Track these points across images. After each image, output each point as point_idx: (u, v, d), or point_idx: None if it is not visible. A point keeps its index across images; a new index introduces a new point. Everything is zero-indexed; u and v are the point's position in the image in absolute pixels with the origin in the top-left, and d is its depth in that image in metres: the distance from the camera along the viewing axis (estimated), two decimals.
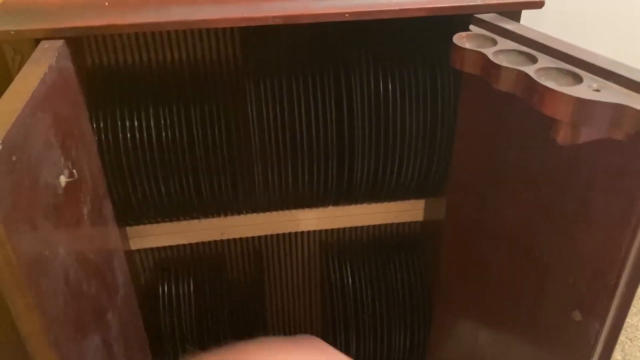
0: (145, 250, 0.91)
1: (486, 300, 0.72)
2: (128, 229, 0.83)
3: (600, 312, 0.54)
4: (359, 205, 0.87)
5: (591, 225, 0.53)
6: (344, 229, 0.96)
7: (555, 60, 0.52)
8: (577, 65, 0.50)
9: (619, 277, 0.52)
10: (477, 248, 0.71)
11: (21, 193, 0.42)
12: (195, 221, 0.85)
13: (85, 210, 0.56)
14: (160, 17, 0.54)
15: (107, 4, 0.55)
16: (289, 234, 0.96)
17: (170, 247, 0.92)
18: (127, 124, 0.70)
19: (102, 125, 0.69)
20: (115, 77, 0.74)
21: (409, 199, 0.86)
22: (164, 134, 0.71)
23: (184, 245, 0.92)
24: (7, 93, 0.46)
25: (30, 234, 0.44)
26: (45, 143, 0.48)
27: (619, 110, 0.45)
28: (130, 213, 0.77)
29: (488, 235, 0.68)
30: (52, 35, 0.54)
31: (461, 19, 0.60)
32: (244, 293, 0.98)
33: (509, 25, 0.57)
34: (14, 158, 0.41)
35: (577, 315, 0.57)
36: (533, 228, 0.60)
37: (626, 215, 0.49)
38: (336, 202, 0.83)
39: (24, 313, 0.44)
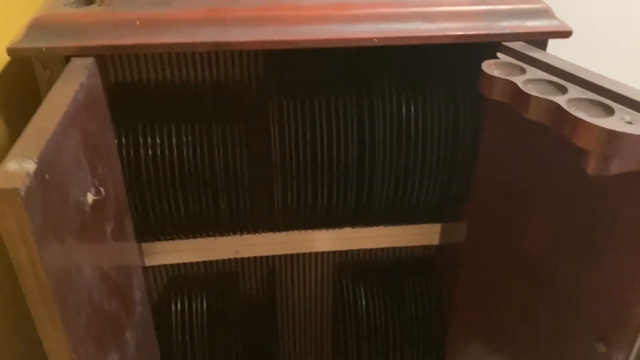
0: (159, 267, 0.90)
1: (504, 327, 0.72)
2: (143, 245, 0.83)
3: (625, 344, 0.54)
4: (374, 228, 0.86)
5: (618, 256, 0.52)
6: (358, 250, 0.96)
7: (585, 90, 0.52)
8: (607, 96, 0.50)
9: None
10: (497, 273, 0.71)
11: (52, 210, 0.42)
12: (210, 239, 0.85)
13: (109, 228, 0.56)
14: (191, 38, 0.55)
15: (138, 23, 0.55)
16: (303, 254, 0.95)
17: (184, 264, 0.92)
18: (149, 140, 0.70)
19: (124, 141, 0.69)
20: (138, 94, 0.75)
21: (426, 222, 0.85)
22: (185, 151, 0.71)
23: (197, 262, 0.91)
24: (40, 110, 0.46)
25: (58, 251, 0.44)
26: (74, 160, 0.48)
27: None
28: (147, 229, 0.76)
29: (509, 260, 0.68)
30: (82, 52, 0.54)
31: (487, 46, 0.60)
32: (256, 312, 0.98)
33: (537, 54, 0.57)
34: (47, 176, 0.41)
35: (601, 347, 0.56)
36: (557, 256, 0.60)
37: None
38: (354, 223, 0.83)
39: (49, 329, 0.44)
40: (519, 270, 0.67)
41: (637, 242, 0.50)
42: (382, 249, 0.96)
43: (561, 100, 0.50)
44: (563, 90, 0.52)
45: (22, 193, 0.37)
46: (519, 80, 0.53)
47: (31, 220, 0.38)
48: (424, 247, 0.95)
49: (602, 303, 0.56)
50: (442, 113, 0.70)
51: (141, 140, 0.70)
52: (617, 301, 0.54)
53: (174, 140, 0.70)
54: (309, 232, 0.86)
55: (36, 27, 0.54)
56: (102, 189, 0.52)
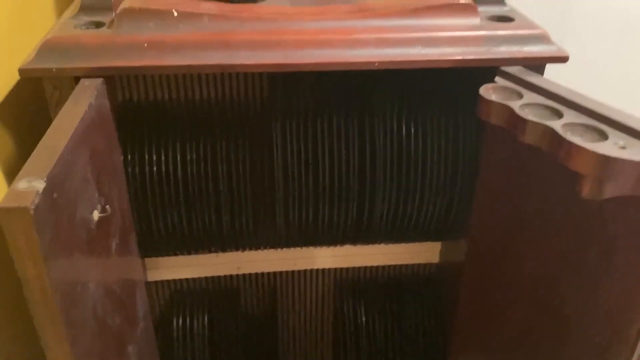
0: (162, 282, 0.91)
1: (503, 347, 0.72)
2: (147, 260, 0.84)
3: None
4: (375, 245, 0.87)
5: (613, 280, 0.53)
6: (360, 268, 0.97)
7: (580, 115, 0.53)
8: (602, 121, 0.51)
9: (639, 333, 0.52)
10: (497, 292, 0.71)
11: (59, 228, 0.44)
12: (213, 255, 0.86)
13: (114, 244, 0.57)
14: (197, 60, 0.56)
15: (146, 45, 0.57)
16: (305, 270, 0.96)
17: (187, 279, 0.93)
18: (155, 158, 0.71)
19: (130, 158, 0.71)
20: (145, 112, 0.76)
21: (427, 240, 0.86)
22: (190, 168, 0.72)
23: (200, 278, 0.92)
24: (50, 130, 0.47)
25: (65, 267, 0.45)
26: (82, 179, 0.49)
27: None
28: (151, 245, 0.78)
29: (507, 281, 0.69)
30: (91, 73, 0.56)
31: (486, 70, 0.61)
32: (257, 327, 0.98)
33: (534, 79, 0.58)
34: (55, 195, 0.42)
35: None
36: (554, 278, 0.61)
37: None
38: (355, 241, 0.84)
39: (55, 344, 0.45)
40: (518, 290, 0.67)
41: (632, 265, 0.51)
42: (383, 267, 0.97)
43: (556, 124, 0.51)
44: (559, 114, 0.53)
45: (32, 212, 0.38)
46: (515, 104, 0.54)
47: (40, 238, 0.40)
48: (425, 265, 0.96)
49: (599, 325, 0.57)
50: (442, 134, 0.72)
51: (147, 157, 0.71)
52: (614, 323, 0.55)
53: (179, 158, 0.72)
54: (311, 249, 0.87)
55: (47, 48, 0.56)
56: (107, 207, 0.54)
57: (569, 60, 0.61)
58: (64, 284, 0.44)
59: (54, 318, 0.43)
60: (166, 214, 0.74)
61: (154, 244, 0.78)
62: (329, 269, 0.96)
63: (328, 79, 0.72)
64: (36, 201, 0.39)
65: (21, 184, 0.41)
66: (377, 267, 0.97)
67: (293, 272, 0.96)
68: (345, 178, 0.73)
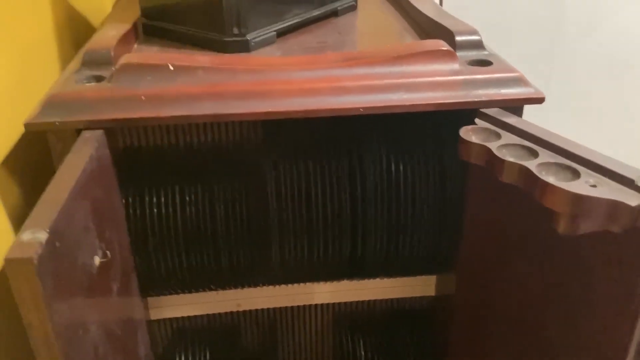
0: (163, 320, 0.93)
1: None
2: (148, 299, 0.86)
3: None
4: (370, 280, 0.89)
5: (594, 311, 0.55)
6: (357, 302, 0.98)
7: (555, 155, 0.56)
8: (575, 160, 0.54)
9: None
10: (487, 324, 0.73)
11: (62, 275, 0.46)
12: (213, 292, 0.88)
13: (115, 287, 0.60)
14: (193, 111, 0.59)
15: (143, 97, 0.60)
16: (303, 306, 0.98)
17: (188, 317, 0.95)
18: (154, 201, 0.74)
19: (130, 202, 0.74)
20: (144, 158, 0.79)
21: (421, 274, 0.88)
22: (188, 210, 0.75)
23: (201, 315, 0.94)
24: (53, 182, 0.50)
25: (67, 312, 0.48)
26: (83, 227, 0.52)
27: (614, 205, 0.48)
28: (152, 285, 0.80)
29: (496, 313, 0.71)
30: (92, 125, 0.59)
31: (466, 112, 0.64)
32: None
33: (512, 120, 0.61)
34: (57, 244, 0.45)
35: None
36: (538, 310, 0.63)
37: (626, 303, 0.51)
38: (350, 276, 0.86)
39: None
40: (507, 322, 0.69)
41: (609, 298, 0.53)
42: (380, 300, 0.98)
43: (532, 164, 0.54)
44: (535, 154, 0.56)
45: (35, 262, 0.41)
46: (494, 145, 0.57)
47: (43, 286, 0.42)
48: (420, 298, 0.98)
49: (583, 354, 0.58)
50: (429, 172, 0.74)
51: (147, 200, 0.74)
52: (597, 352, 0.57)
53: (177, 201, 0.75)
54: (308, 284, 0.89)
55: (51, 103, 0.60)
56: (108, 252, 0.56)
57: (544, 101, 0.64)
58: (66, 329, 0.47)
59: None
60: (166, 255, 0.77)
61: (155, 283, 0.80)
62: (327, 304, 0.98)
63: (318, 124, 0.75)
64: (39, 252, 0.42)
65: (25, 235, 0.43)
66: (374, 301, 0.99)
67: (292, 307, 0.98)
68: (337, 217, 0.76)
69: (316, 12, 0.80)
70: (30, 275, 0.42)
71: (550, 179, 0.52)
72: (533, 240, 0.62)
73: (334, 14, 0.84)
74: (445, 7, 0.91)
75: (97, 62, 0.65)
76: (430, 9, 0.81)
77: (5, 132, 0.65)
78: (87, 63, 0.65)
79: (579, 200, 0.49)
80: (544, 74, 1.40)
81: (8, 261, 0.41)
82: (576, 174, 0.53)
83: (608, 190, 0.50)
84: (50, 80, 0.80)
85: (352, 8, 0.87)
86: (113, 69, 0.64)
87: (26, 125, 0.58)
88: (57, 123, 0.58)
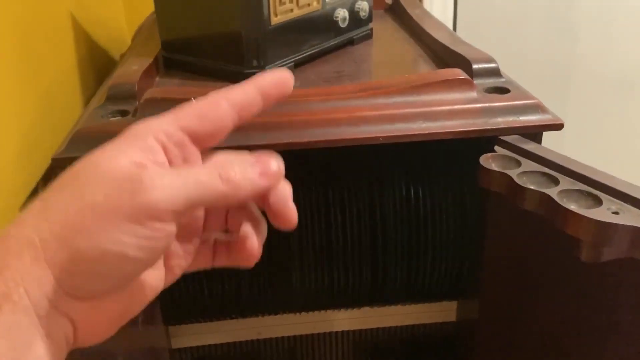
0: (185, 349, 0.94)
1: None
2: (170, 328, 0.86)
3: None
4: (391, 306, 0.89)
5: (619, 340, 0.55)
6: (378, 329, 0.98)
7: (575, 182, 0.56)
8: (596, 187, 0.54)
9: None
10: (511, 350, 0.73)
11: None
12: (233, 321, 0.88)
13: (140, 318, 0.60)
14: None
15: None
16: (324, 333, 0.98)
17: (209, 345, 0.95)
18: None
19: None
20: None
21: (442, 300, 0.88)
22: None
23: (222, 344, 0.94)
24: None
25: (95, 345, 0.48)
26: None
27: (637, 232, 0.48)
28: (175, 314, 0.81)
29: (521, 339, 0.70)
30: None
31: (485, 139, 0.65)
32: None
33: (531, 147, 0.61)
34: None
35: None
36: (563, 338, 0.62)
37: None
38: (371, 303, 0.86)
39: None
40: (531, 349, 0.69)
41: (635, 323, 0.53)
42: (401, 327, 0.98)
43: (553, 192, 0.54)
44: (555, 181, 0.56)
45: None
46: (514, 173, 0.58)
47: None
48: (442, 324, 0.97)
49: None
50: (449, 198, 0.75)
51: None
52: None
53: None
54: (328, 312, 0.89)
55: (77, 138, 0.61)
56: None
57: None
58: (92, 358, 0.47)
59: None
60: (188, 284, 0.77)
61: (178, 312, 0.81)
62: (348, 331, 0.98)
63: (337, 153, 0.76)
64: None
65: None
66: (395, 328, 0.98)
67: (312, 335, 0.97)
68: (357, 244, 0.76)
69: (333, 42, 0.82)
70: None
71: (572, 207, 0.52)
72: (555, 267, 0.61)
73: (350, 42, 0.85)
74: (458, 33, 0.93)
75: (121, 97, 0.66)
76: (445, 36, 0.82)
77: (33, 166, 0.67)
78: (111, 98, 0.66)
79: (602, 227, 0.49)
80: (560, 98, 1.41)
81: None
82: (598, 201, 0.53)
83: (631, 217, 0.50)
84: (73, 113, 0.82)
85: (368, 37, 0.88)
86: (137, 103, 0.65)
87: (54, 160, 0.60)
88: None
